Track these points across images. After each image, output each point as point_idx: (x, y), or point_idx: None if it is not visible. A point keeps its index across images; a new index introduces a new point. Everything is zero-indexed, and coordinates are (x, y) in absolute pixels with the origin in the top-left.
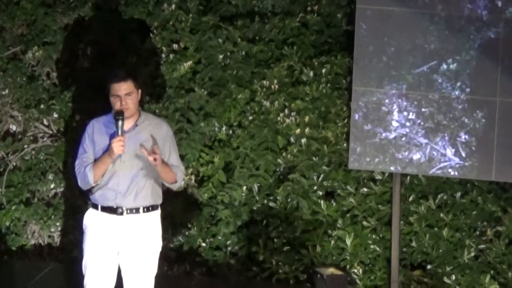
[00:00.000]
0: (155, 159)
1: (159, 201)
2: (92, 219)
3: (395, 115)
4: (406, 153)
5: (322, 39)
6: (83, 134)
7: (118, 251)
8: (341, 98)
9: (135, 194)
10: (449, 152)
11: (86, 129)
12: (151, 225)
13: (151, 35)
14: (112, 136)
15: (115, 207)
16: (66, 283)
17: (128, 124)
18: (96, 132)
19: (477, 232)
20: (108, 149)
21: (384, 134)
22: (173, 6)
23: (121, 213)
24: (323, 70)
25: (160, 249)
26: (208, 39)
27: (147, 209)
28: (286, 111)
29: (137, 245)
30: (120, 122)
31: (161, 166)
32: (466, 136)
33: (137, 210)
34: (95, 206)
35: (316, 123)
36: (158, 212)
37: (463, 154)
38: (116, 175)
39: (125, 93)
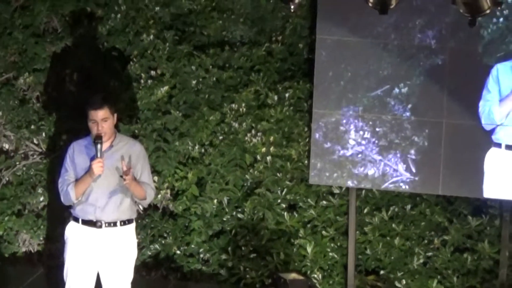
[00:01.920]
0: (125, 179)
1: (134, 215)
2: (73, 231)
3: (352, 134)
4: (362, 168)
5: (286, 66)
6: (65, 155)
7: (96, 260)
8: (302, 119)
9: (112, 208)
10: (401, 167)
11: (68, 151)
12: (127, 237)
13: (131, 62)
14: (92, 158)
15: (94, 220)
16: (54, 286)
17: (104, 145)
18: (76, 153)
19: (425, 241)
20: (88, 170)
21: (341, 152)
22: (151, 36)
23: (100, 226)
24: (287, 94)
25: (135, 258)
26: (182, 66)
27: (124, 222)
28: (253, 131)
29: (114, 255)
30: (99, 146)
31: (132, 184)
32: (416, 154)
33: (114, 224)
34: (76, 219)
35: (280, 142)
36: (133, 225)
37: (413, 170)
38: (95, 191)
39: (101, 118)
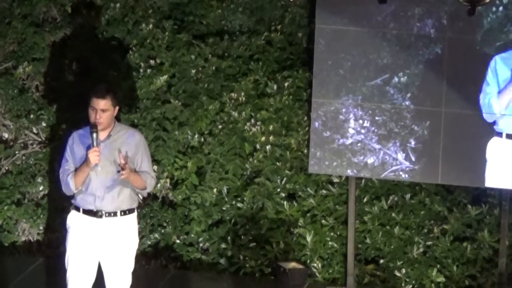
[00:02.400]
0: (122, 174)
1: (135, 204)
2: (74, 220)
3: (351, 123)
4: (361, 157)
5: (285, 56)
6: (65, 145)
7: (97, 249)
8: (302, 108)
9: (111, 197)
10: (400, 156)
11: (68, 141)
12: (127, 227)
13: (130, 52)
14: (88, 147)
15: (95, 210)
16: (53, 275)
17: (103, 135)
18: (75, 143)
19: (425, 230)
20: (85, 159)
21: (341, 140)
22: (150, 25)
23: (101, 216)
24: (286, 84)
25: (136, 248)
26: (182, 56)
27: (124, 212)
28: (252, 120)
29: (115, 245)
30: (94, 135)
31: (130, 177)
32: (415, 142)
33: (115, 214)
34: (77, 209)
35: (280, 132)
36: (134, 215)
37: (413, 159)
38: (94, 181)
39: (101, 108)
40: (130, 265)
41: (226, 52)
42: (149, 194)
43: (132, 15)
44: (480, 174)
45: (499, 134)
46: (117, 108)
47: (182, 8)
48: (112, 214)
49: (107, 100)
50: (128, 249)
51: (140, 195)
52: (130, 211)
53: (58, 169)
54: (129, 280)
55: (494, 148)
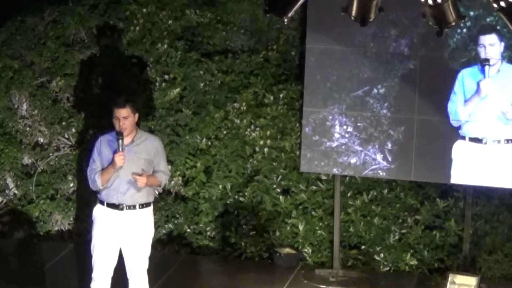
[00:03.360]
0: (139, 184)
1: (152, 199)
2: (99, 212)
3: (337, 128)
4: (345, 158)
5: (280, 71)
6: (93, 148)
7: (119, 237)
8: (295, 116)
9: (132, 194)
10: (379, 157)
11: (95, 144)
12: (145, 218)
13: (147, 68)
14: (115, 151)
15: (117, 203)
16: (81, 259)
17: (127, 140)
18: (102, 146)
19: (400, 220)
20: (112, 161)
21: (328, 143)
22: (165, 45)
23: (122, 209)
24: (281, 95)
25: (152, 236)
26: (192, 71)
27: (142, 205)
28: (252, 127)
29: (134, 234)
30: (120, 141)
31: (147, 182)
32: (391, 145)
33: (134, 207)
34: (101, 202)
35: (276, 136)
36: (151, 208)
37: (389, 159)
38: (118, 179)
39: (123, 116)
40: (147, 251)
41: (229, 68)
42: (163, 189)
43: (149, 37)
44: (447, 172)
45: (463, 138)
46: (137, 114)
47: (192, 30)
48: (131, 207)
49: (127, 109)
50: (145, 237)
51: (156, 191)
52: (147, 204)
53: (86, 168)
54: (146, 264)
55: (459, 149)
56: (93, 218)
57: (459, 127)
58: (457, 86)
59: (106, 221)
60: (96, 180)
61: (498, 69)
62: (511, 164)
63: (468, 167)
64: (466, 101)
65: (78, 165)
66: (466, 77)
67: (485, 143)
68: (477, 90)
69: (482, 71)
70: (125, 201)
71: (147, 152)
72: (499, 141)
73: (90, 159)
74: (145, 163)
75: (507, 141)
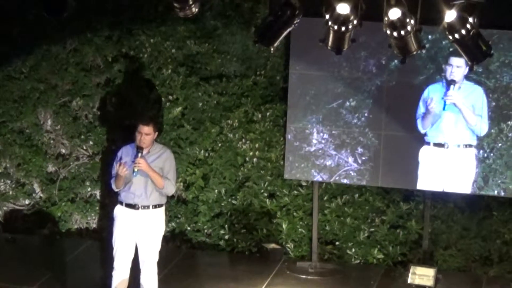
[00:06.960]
0: (139, 164)
1: (164, 201)
2: (118, 211)
3: (315, 135)
4: (322, 160)
5: (267, 93)
6: (116, 156)
7: (135, 233)
8: (279, 131)
9: (146, 196)
10: (350, 160)
11: (117, 153)
12: (157, 217)
13: (154, 89)
14: (133, 161)
15: (133, 204)
16: (98, 253)
17: (144, 151)
18: (124, 154)
19: (369, 220)
20: (131, 166)
21: (307, 148)
22: (169, 70)
23: (137, 209)
24: (268, 113)
25: (163, 233)
26: (192, 93)
27: (155, 206)
28: (243, 140)
29: (148, 230)
30: (139, 154)
31: (148, 170)
32: (362, 150)
33: (148, 207)
34: (121, 203)
35: (263, 148)
36: (163, 208)
37: (360, 161)
38: (134, 183)
39: (145, 133)
40: (158, 245)
41: (224, 90)
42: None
43: (156, 63)
44: (411, 179)
45: (428, 143)
46: (156, 133)
47: (192, 58)
48: (146, 207)
49: (150, 127)
50: (157, 233)
51: (161, 191)
52: (159, 205)
53: (107, 174)
54: (156, 257)
55: (424, 154)
56: (114, 216)
57: (425, 134)
58: (422, 100)
59: (124, 219)
60: (112, 184)
61: (459, 86)
62: (468, 168)
63: (432, 170)
64: (430, 113)
65: (95, 173)
66: (431, 93)
67: (447, 147)
68: (443, 103)
69: (447, 87)
70: (140, 202)
71: (160, 161)
72: (459, 145)
73: (113, 165)
74: (157, 170)
75: (466, 146)
